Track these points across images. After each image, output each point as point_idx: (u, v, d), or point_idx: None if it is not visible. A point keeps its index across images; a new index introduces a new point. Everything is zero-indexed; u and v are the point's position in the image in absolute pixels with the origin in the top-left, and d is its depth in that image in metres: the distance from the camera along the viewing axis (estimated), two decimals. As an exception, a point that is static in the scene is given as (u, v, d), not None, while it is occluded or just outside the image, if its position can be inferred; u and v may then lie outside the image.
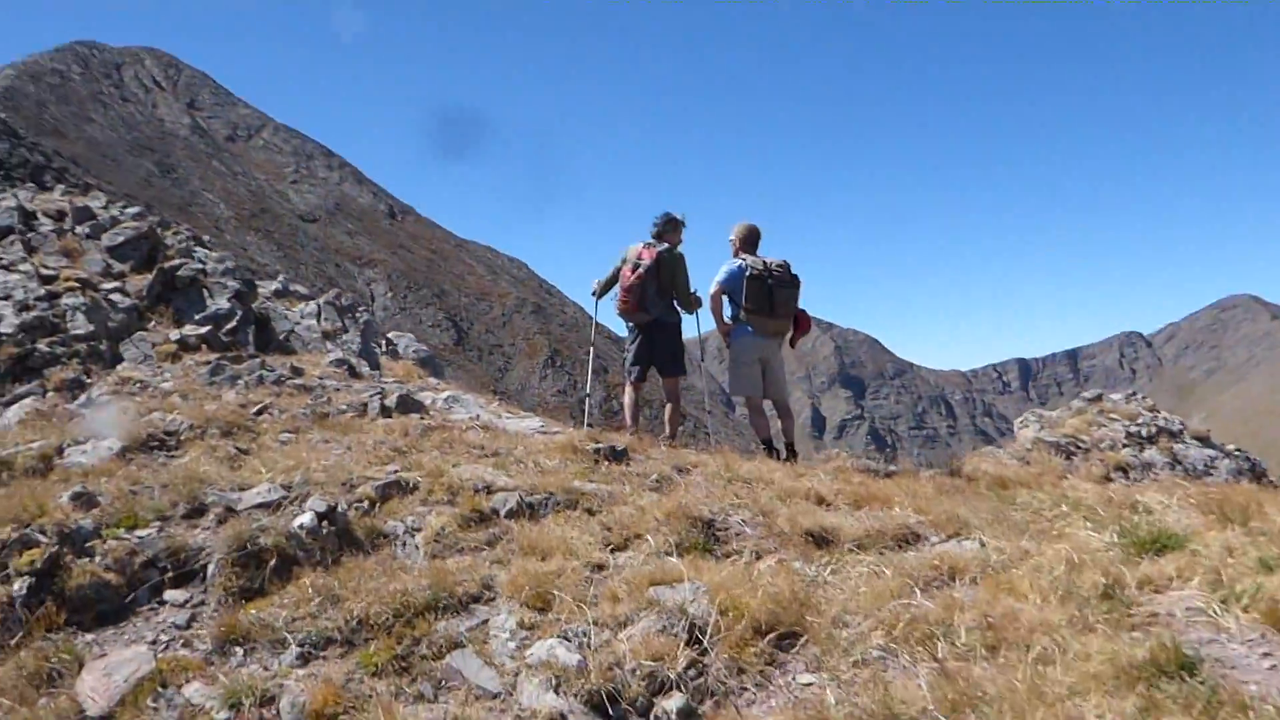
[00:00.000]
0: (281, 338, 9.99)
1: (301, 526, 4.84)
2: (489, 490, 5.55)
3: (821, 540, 4.93)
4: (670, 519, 5.04)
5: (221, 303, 9.39)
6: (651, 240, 8.20)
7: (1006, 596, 3.98)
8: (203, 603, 4.57)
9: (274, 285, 11.51)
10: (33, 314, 8.51)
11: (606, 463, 6.51)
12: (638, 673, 3.55)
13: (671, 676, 3.51)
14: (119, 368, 8.32)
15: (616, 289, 8.14)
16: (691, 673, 3.57)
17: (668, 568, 4.25)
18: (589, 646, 3.72)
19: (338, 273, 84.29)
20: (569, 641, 3.75)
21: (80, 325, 8.65)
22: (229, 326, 9.21)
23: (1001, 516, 5.90)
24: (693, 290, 8.33)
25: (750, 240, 8.24)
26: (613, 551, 4.81)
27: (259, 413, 7.39)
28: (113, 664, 3.90)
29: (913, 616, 3.79)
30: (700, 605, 3.91)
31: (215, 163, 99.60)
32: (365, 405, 7.62)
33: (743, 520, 5.27)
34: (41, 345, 8.21)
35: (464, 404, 8.38)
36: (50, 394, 7.79)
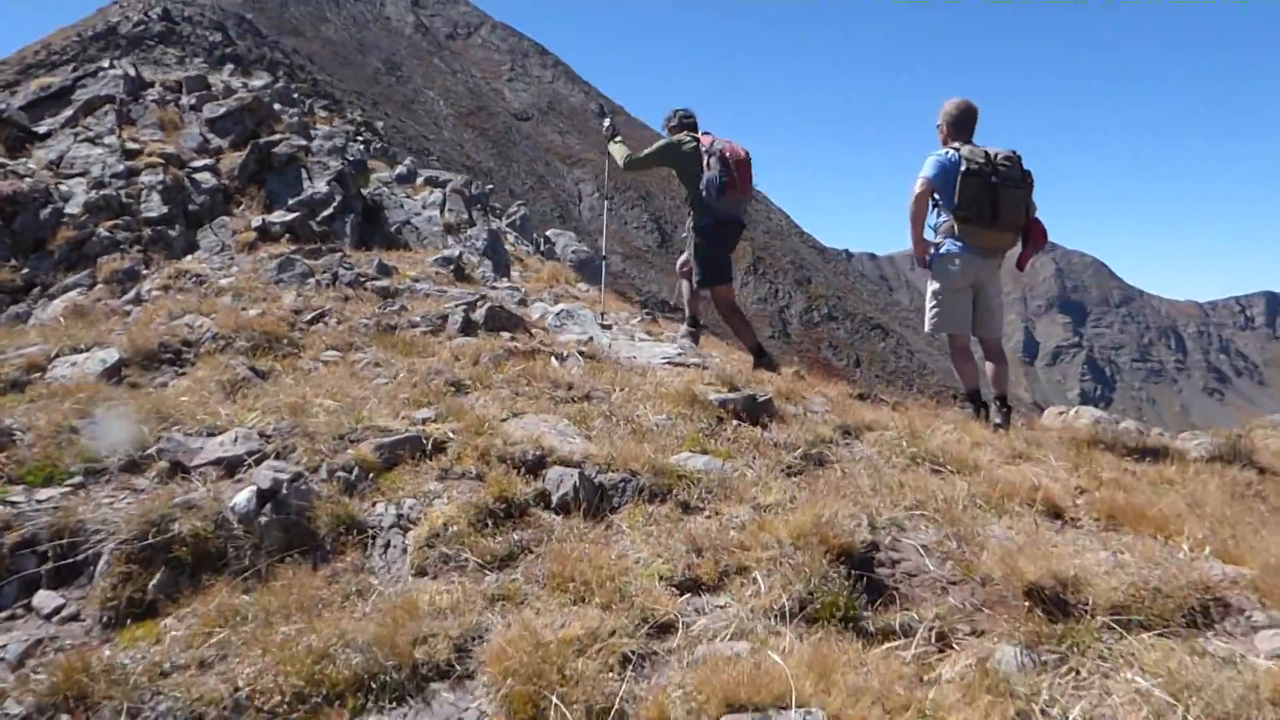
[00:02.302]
0: (393, 229, 8.51)
1: (235, 509, 3.22)
2: (541, 462, 3.73)
3: (1055, 604, 2.84)
4: (800, 544, 3.06)
5: (319, 186, 7.96)
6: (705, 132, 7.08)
7: None
8: (76, 616, 3.06)
9: (399, 169, 10.02)
10: (103, 193, 7.36)
11: (736, 421, 4.55)
12: None
13: None
14: (187, 258, 7.07)
15: (713, 175, 6.61)
16: None
17: (764, 674, 2.28)
18: None
19: (548, 171, 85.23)
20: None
21: (154, 207, 7.44)
22: (325, 214, 7.78)
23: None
24: None
25: (965, 123, 5.94)
26: (692, 594, 2.91)
27: (314, 320, 5.90)
28: None
29: None
30: (812, 782, 1.96)
31: (436, 60, 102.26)
32: (445, 318, 5.97)
33: (923, 546, 3.23)
34: (102, 230, 7.04)
35: (580, 320, 6.59)
36: (98, 286, 6.63)
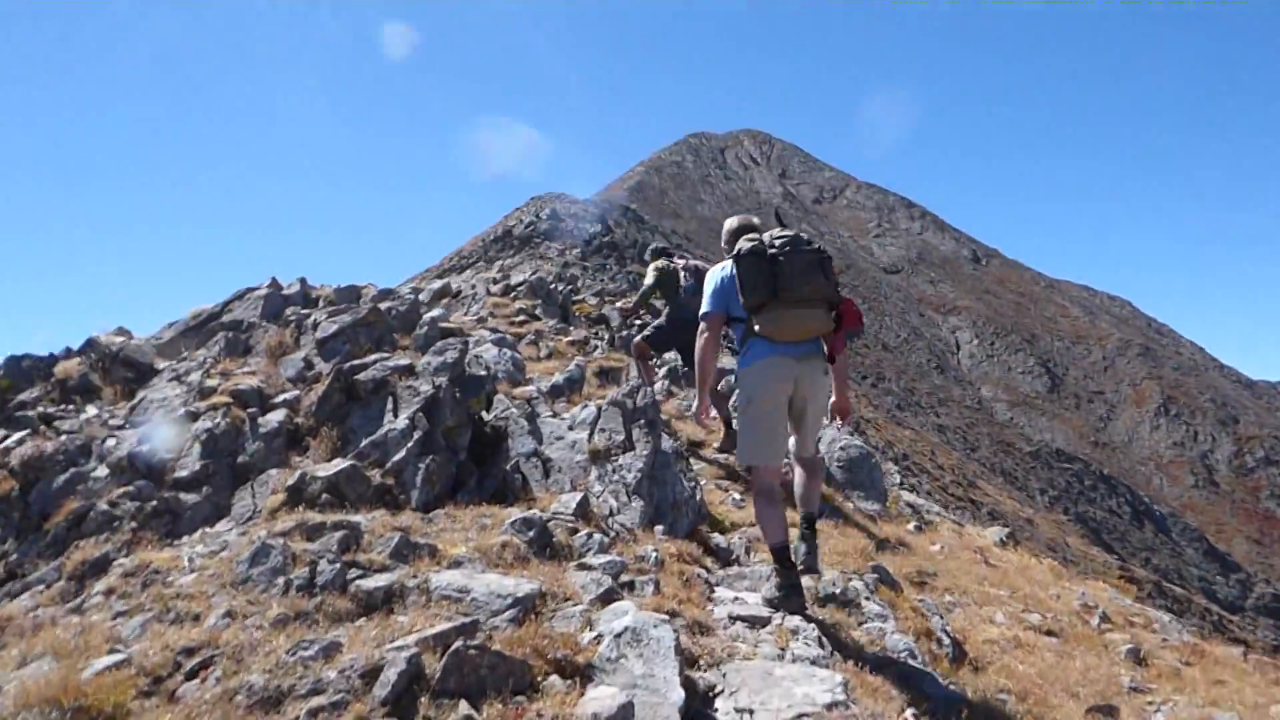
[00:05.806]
0: (509, 467, 6.35)
1: None
2: None
3: None
4: None
5: (399, 422, 6.05)
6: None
7: None
8: None
9: (551, 379, 7.93)
10: (142, 449, 5.98)
11: None
12: None
13: None
14: (187, 539, 5.35)
15: (689, 284, 8.59)
16: None
17: None
18: None
19: (921, 322, 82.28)
20: None
21: (189, 464, 5.90)
22: (396, 459, 5.82)
23: None
24: None
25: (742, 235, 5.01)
26: None
27: (191, 675, 3.75)
28: None
29: None
30: None
31: (804, 225, 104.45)
32: (376, 674, 3.54)
33: None
34: (105, 500, 5.58)
35: (649, 652, 3.83)
36: (62, 582, 5.08)
